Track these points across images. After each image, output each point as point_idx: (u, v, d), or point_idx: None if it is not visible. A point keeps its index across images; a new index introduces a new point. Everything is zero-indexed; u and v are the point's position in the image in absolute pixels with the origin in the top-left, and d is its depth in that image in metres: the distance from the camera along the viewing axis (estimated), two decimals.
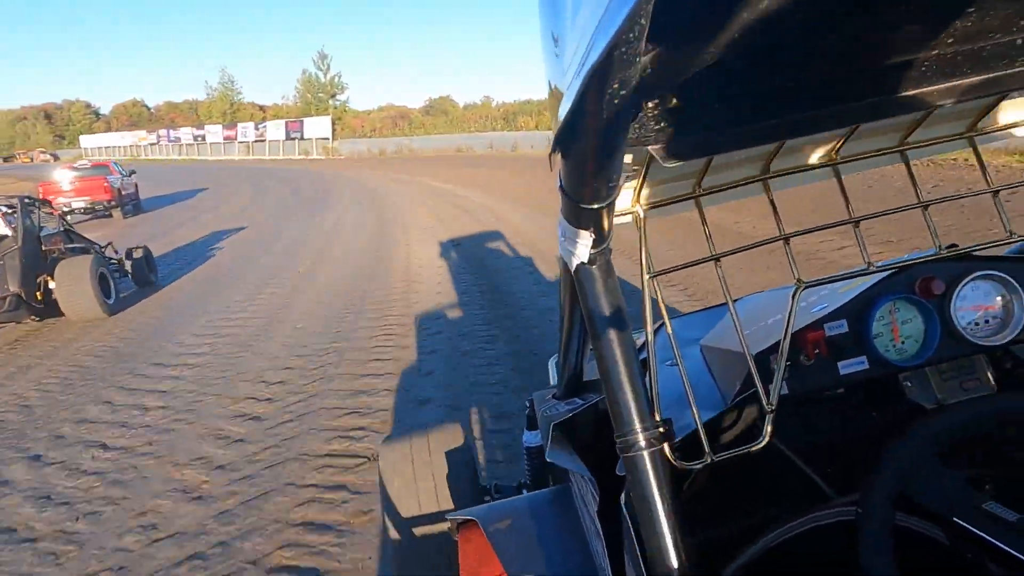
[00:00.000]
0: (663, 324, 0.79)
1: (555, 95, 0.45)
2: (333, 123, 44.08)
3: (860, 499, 0.78)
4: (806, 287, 0.77)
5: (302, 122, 43.74)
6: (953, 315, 0.91)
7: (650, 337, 0.75)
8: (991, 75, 0.64)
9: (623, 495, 0.78)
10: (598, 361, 0.68)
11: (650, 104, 0.56)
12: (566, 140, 0.49)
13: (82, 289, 6.56)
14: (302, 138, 41.89)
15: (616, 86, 0.40)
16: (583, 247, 0.64)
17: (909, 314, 0.93)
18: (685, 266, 0.85)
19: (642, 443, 0.64)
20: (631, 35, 0.32)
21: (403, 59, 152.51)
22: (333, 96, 55.18)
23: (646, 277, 0.75)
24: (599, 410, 1.23)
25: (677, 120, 0.60)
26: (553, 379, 1.98)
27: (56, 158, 66.89)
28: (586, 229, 0.62)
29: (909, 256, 0.96)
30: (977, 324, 0.93)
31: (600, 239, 0.63)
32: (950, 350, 0.92)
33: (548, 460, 1.09)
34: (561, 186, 0.58)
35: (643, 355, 0.76)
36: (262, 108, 61.54)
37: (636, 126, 0.56)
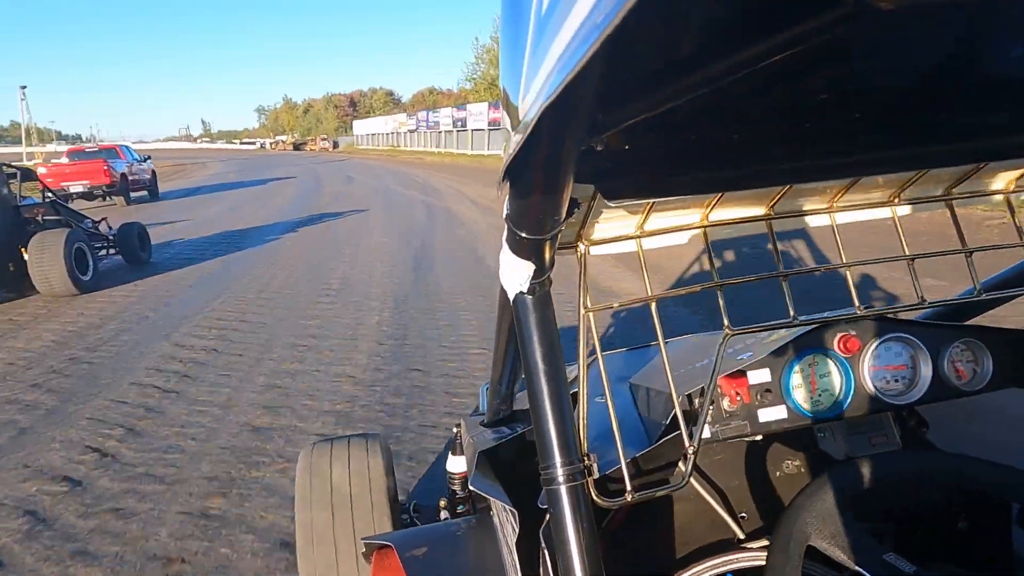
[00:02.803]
0: (596, 359, 0.80)
1: (508, 125, 0.45)
2: None
3: (770, 545, 0.80)
4: (734, 335, 0.80)
5: None
6: (866, 373, 0.96)
7: (582, 371, 0.75)
8: (917, 149, 0.69)
9: (543, 527, 0.77)
10: (528, 391, 0.67)
11: (599, 144, 0.57)
12: (515, 171, 0.49)
13: (54, 263, 6.13)
14: None
15: (567, 124, 0.41)
16: (523, 277, 0.64)
17: (826, 368, 0.97)
18: (622, 305, 0.86)
19: (565, 477, 0.64)
20: (587, 76, 0.33)
21: None
22: None
23: (582, 311, 0.75)
24: (526, 440, 1.23)
25: (624, 162, 0.61)
26: (484, 405, 1.97)
27: (336, 145, 67.08)
28: (527, 259, 0.62)
29: (831, 313, 1.00)
30: (887, 383, 0.98)
31: (540, 270, 0.63)
32: (861, 406, 0.96)
33: (471, 487, 1.07)
34: (506, 215, 0.58)
35: (574, 388, 0.76)
36: None
37: (584, 164, 0.57)
